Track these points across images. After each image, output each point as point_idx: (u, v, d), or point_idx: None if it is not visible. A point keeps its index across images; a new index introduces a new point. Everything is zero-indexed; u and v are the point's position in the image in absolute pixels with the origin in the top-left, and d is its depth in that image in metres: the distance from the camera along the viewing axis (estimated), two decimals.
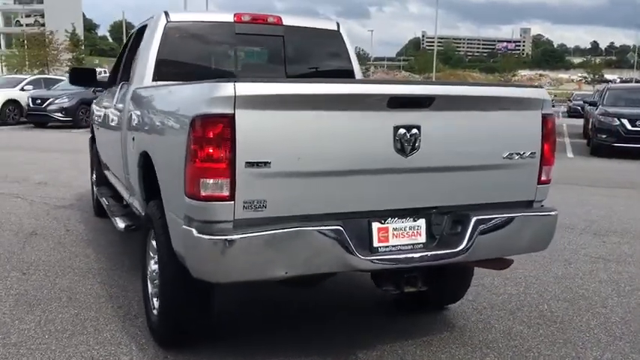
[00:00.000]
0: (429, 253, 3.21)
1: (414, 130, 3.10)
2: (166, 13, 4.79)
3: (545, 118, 3.47)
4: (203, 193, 2.83)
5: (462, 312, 4.48)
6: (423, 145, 3.13)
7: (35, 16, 70.93)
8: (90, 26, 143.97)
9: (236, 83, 2.79)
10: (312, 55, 5.36)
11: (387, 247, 3.18)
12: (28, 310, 4.34)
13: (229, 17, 4.92)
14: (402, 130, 3.07)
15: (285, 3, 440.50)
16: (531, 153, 3.44)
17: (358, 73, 5.36)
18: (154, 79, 4.59)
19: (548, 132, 3.49)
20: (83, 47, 49.87)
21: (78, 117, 20.20)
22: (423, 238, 3.27)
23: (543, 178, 3.54)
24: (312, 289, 4.01)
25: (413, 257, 3.17)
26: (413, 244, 3.23)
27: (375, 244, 3.15)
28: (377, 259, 3.09)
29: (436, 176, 3.24)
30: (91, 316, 4.24)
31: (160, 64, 4.65)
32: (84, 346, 3.77)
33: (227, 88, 2.78)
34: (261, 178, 2.86)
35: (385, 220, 3.18)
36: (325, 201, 3.02)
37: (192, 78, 4.00)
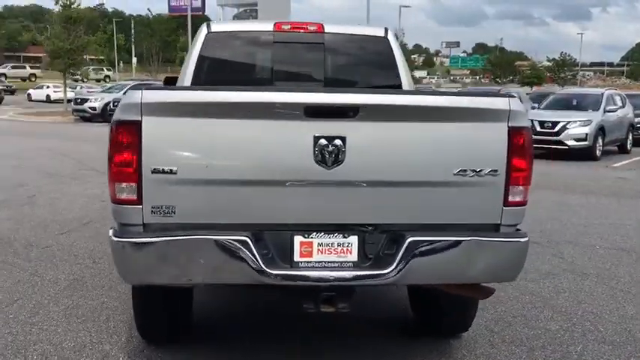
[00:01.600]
0: (350, 274, 3.00)
1: (338, 142, 2.92)
2: (208, 25, 5.02)
3: (514, 132, 3.05)
4: (117, 197, 2.96)
5: (472, 343, 4.07)
6: (349, 157, 2.93)
7: None
8: None
9: (143, 91, 2.88)
10: (354, 62, 5.23)
11: (310, 262, 3.03)
12: (69, 294, 4.84)
13: (270, 26, 5.00)
14: (323, 141, 2.91)
15: (496, 7, 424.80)
16: (492, 170, 3.04)
17: (406, 80, 5.08)
18: None
19: (518, 147, 3.05)
20: None
21: None
22: (354, 257, 3.05)
23: (513, 199, 3.10)
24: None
25: (329, 276, 2.98)
26: (341, 262, 3.04)
27: (297, 258, 3.02)
28: (286, 275, 2.95)
29: (368, 191, 3.01)
30: (112, 306, 4.60)
31: (197, 72, 4.88)
32: (84, 332, 4.12)
33: (135, 96, 2.88)
34: (168, 185, 2.91)
35: (309, 235, 3.04)
36: (237, 211, 2.97)
37: (224, 82, 4.16)
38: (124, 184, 2.93)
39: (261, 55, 5.12)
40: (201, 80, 4.86)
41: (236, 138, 2.93)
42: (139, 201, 2.93)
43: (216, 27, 5.01)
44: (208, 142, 2.92)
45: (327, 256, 3.04)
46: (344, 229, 3.06)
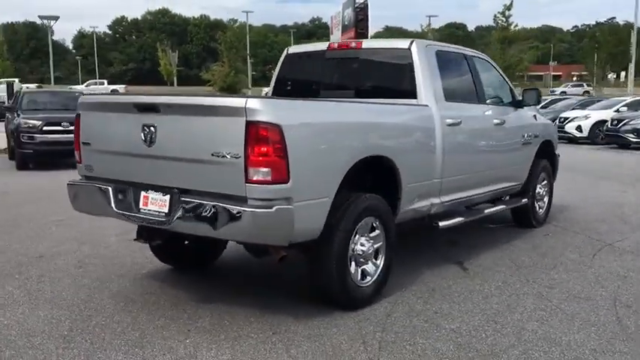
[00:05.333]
0: (149, 218, 4.36)
1: (152, 128, 4.33)
2: (288, 49, 6.48)
3: (251, 125, 3.83)
4: (77, 159, 5.03)
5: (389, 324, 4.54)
6: (158, 139, 4.32)
7: None
8: None
9: (82, 95, 4.86)
10: (378, 72, 5.83)
11: (145, 210, 4.49)
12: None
13: (326, 46, 6.13)
14: (145, 128, 4.37)
15: None
16: (234, 154, 3.91)
17: (423, 86, 5.38)
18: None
19: (253, 137, 3.83)
20: None
21: None
22: (166, 209, 4.37)
23: (254, 178, 3.88)
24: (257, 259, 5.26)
25: (136, 217, 4.46)
26: (159, 212, 4.41)
27: (140, 206, 4.54)
28: (121, 213, 4.53)
29: (169, 164, 4.31)
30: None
31: (276, 85, 6.44)
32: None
33: (81, 98, 4.91)
34: (89, 152, 4.85)
35: (147, 191, 4.49)
36: (110, 170, 4.71)
37: (293, 94, 5.82)
38: (77, 152, 4.98)
39: (316, 70, 6.30)
40: (278, 90, 6.42)
41: (109, 124, 4.70)
42: (80, 161, 4.94)
43: (292, 49, 6.46)
44: (99, 126, 4.75)
45: (154, 207, 4.47)
46: (163, 189, 4.42)
